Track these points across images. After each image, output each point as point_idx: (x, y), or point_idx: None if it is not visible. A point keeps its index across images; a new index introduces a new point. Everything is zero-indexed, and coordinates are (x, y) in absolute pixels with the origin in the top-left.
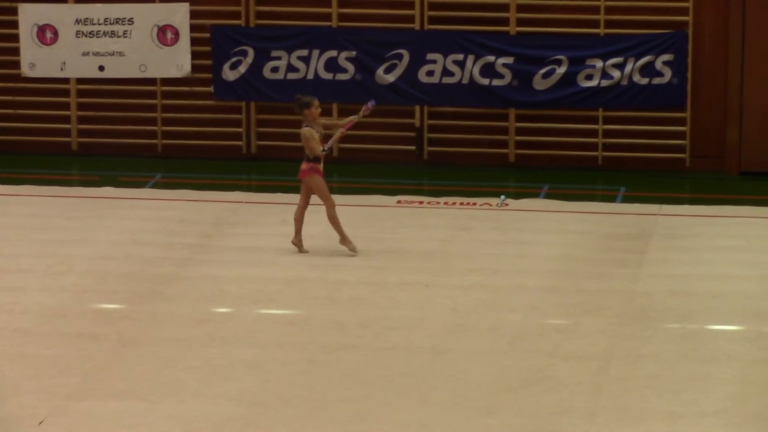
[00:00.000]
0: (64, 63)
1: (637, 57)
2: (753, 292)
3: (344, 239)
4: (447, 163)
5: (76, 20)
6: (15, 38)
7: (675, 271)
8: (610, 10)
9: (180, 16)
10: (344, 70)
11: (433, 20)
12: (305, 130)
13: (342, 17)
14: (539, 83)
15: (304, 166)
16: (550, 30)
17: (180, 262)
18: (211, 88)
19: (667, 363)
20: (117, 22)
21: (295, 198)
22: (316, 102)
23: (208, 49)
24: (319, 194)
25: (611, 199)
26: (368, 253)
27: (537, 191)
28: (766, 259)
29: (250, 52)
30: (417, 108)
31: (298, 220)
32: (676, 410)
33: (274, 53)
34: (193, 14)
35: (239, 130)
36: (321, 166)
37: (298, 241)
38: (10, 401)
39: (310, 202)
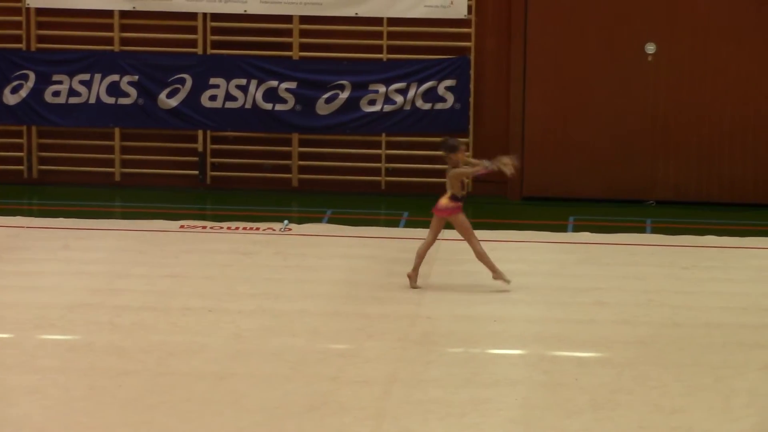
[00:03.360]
0: None
1: (420, 82)
2: (534, 316)
3: (496, 273)
4: (230, 188)
5: None
6: None
7: (457, 296)
8: (392, 35)
9: None
10: (126, 95)
11: (216, 45)
12: (456, 171)
13: (124, 41)
14: (322, 108)
15: (445, 202)
16: (333, 55)
17: None
18: None
19: (450, 387)
20: None
21: (76, 222)
22: (463, 146)
23: None
24: (466, 231)
25: (395, 223)
26: (150, 278)
27: (320, 216)
28: (547, 283)
29: (31, 75)
30: (200, 133)
31: (421, 256)
32: None
33: (55, 77)
34: None
35: (20, 154)
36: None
37: (414, 275)
38: None
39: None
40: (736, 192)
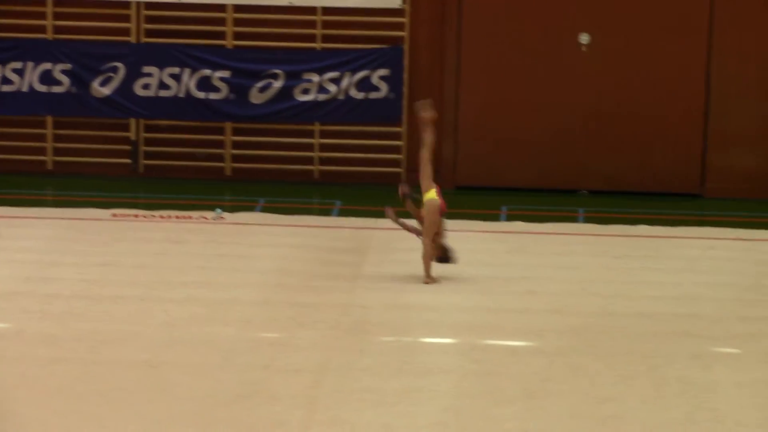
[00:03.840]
0: None
1: (354, 72)
2: (467, 305)
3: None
4: (163, 177)
5: None
6: None
7: (390, 285)
8: (326, 24)
9: None
10: (59, 83)
11: (149, 33)
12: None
13: (57, 30)
14: (256, 97)
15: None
16: (267, 44)
17: None
18: None
19: (382, 376)
20: None
21: (7, 211)
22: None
23: None
24: (426, 227)
25: (327, 212)
26: (82, 266)
27: (253, 205)
28: (479, 272)
29: None
30: (133, 121)
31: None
32: (391, 423)
33: None
34: None
35: None
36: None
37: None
38: None
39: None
40: (668, 182)
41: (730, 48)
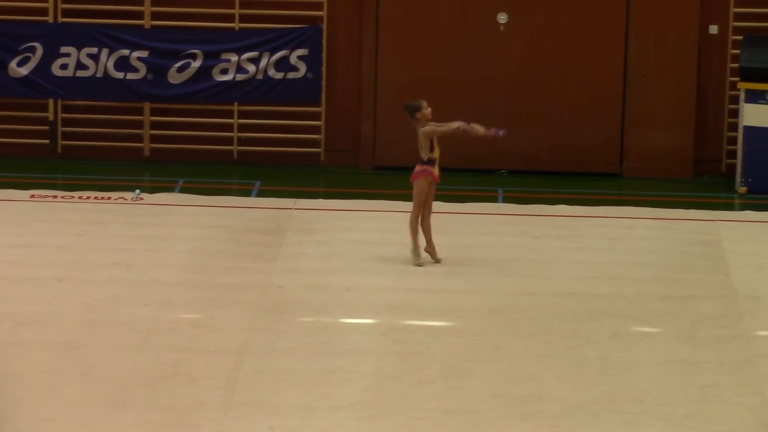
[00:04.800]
0: None
1: (272, 51)
2: (385, 285)
3: (416, 248)
4: (82, 157)
5: None
6: None
7: (310, 265)
8: (244, 4)
9: None
10: None
11: (66, 13)
12: (426, 128)
13: None
14: (174, 77)
15: (417, 168)
16: (185, 24)
17: None
18: None
19: (302, 356)
20: None
21: None
22: (425, 103)
23: None
24: (415, 198)
25: (247, 193)
26: (1, 247)
27: (172, 185)
28: (398, 252)
29: None
30: (51, 101)
31: (425, 230)
32: (311, 404)
33: None
34: None
35: None
36: (436, 170)
37: (431, 250)
38: None
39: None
40: (587, 161)
41: (648, 27)
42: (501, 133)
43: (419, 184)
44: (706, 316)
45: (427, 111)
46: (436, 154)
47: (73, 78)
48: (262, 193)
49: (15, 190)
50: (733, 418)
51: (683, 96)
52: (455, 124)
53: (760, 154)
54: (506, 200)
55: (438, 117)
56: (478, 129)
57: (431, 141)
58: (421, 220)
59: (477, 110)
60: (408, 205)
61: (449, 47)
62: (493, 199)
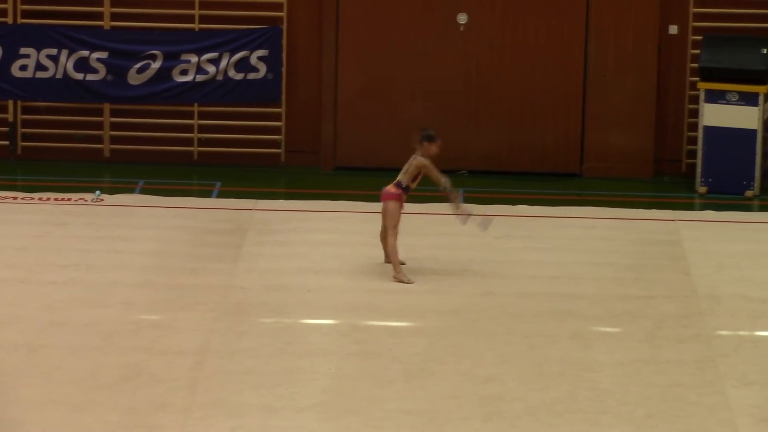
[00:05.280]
0: None
1: (232, 52)
2: (347, 286)
3: (396, 269)
4: (42, 159)
5: None
6: None
7: (270, 266)
8: (204, 5)
9: None
10: None
11: (26, 14)
12: (424, 161)
13: None
14: (134, 78)
15: (389, 188)
16: (145, 25)
17: None
18: None
19: (263, 357)
20: None
21: None
22: (439, 141)
23: None
24: (389, 220)
25: (207, 194)
26: None
27: (132, 186)
28: (359, 253)
29: None
30: (10, 103)
31: (391, 247)
32: (272, 404)
33: None
34: None
35: None
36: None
37: (398, 274)
38: None
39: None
40: (547, 161)
41: (608, 27)
42: (465, 216)
43: (392, 207)
44: (667, 315)
45: (436, 148)
46: (414, 186)
47: (33, 79)
48: (222, 194)
49: None
50: (694, 418)
51: (643, 96)
52: (445, 180)
53: (719, 154)
54: (467, 201)
55: (398, 118)
56: (455, 199)
57: (418, 174)
58: (381, 231)
59: (437, 111)
60: (368, 206)
61: (409, 47)
62: None
